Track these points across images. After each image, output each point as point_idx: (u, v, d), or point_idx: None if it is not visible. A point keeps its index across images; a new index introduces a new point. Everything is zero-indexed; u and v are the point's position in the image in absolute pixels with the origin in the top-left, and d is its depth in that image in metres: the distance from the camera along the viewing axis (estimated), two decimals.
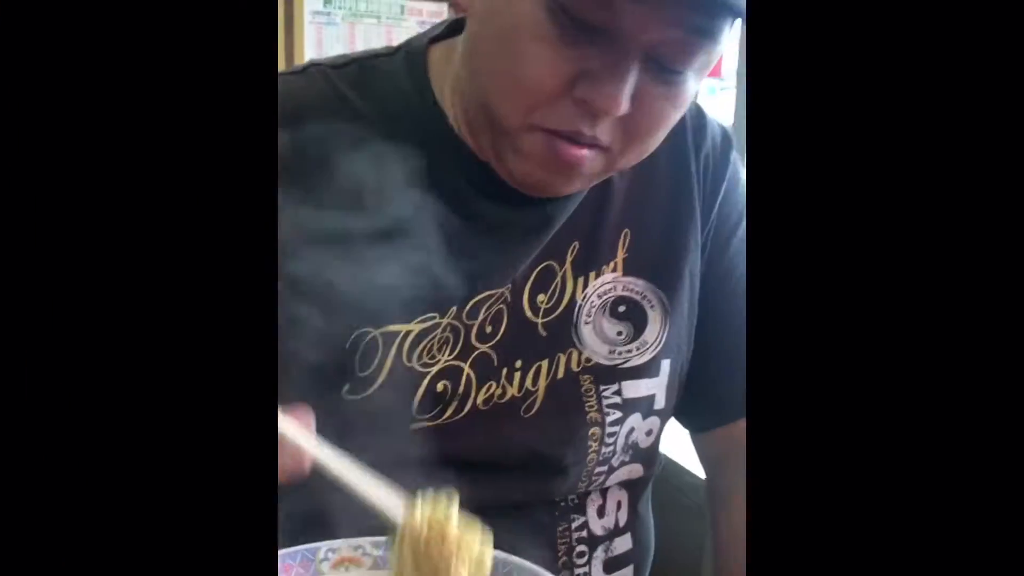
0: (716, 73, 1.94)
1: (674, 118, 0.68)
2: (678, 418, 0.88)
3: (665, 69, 0.64)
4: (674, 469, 1.20)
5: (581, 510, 0.80)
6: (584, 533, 0.80)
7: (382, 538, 0.63)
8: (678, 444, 0.88)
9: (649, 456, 0.84)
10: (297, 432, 0.56)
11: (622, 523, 0.83)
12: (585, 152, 0.65)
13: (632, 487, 0.84)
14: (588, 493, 0.80)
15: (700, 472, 1.28)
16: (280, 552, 0.62)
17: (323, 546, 0.63)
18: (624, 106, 0.63)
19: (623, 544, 0.83)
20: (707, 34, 0.62)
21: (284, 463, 0.56)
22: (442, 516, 0.55)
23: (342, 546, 0.63)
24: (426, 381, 0.73)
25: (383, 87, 0.75)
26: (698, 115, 0.85)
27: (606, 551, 0.82)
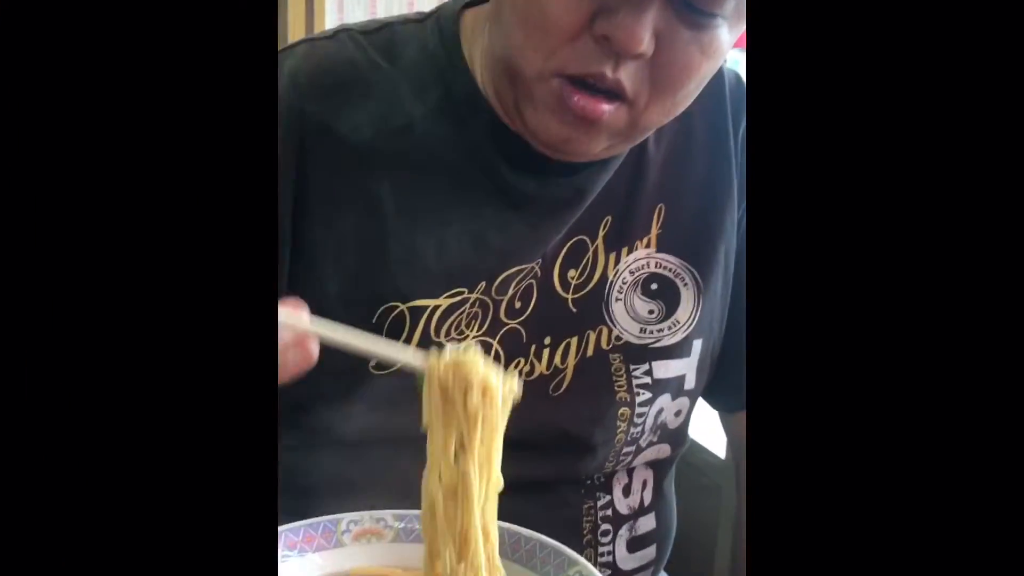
0: (743, 44, 1.84)
1: (705, 70, 0.65)
2: (706, 398, 0.87)
3: (693, 9, 0.61)
4: (692, 447, 1.20)
5: (607, 489, 0.79)
6: (609, 512, 0.79)
7: (404, 511, 0.64)
8: (696, 423, 0.86)
9: (677, 436, 0.82)
10: (296, 318, 0.54)
11: (647, 503, 0.82)
12: (604, 106, 0.63)
13: (658, 467, 0.83)
14: (615, 472, 0.79)
15: (718, 451, 1.28)
16: (302, 523, 0.62)
17: (345, 517, 0.63)
18: (645, 43, 0.60)
19: (647, 523, 0.82)
20: None
21: (288, 356, 0.54)
22: (465, 358, 0.54)
23: (364, 518, 0.63)
24: None
25: (414, 53, 0.73)
26: (738, 86, 0.82)
27: (630, 530, 0.81)
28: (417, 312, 0.71)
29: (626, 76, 0.62)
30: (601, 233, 0.75)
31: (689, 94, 0.67)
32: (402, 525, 0.64)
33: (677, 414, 0.81)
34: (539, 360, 0.74)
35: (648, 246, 0.77)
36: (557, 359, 0.75)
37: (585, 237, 0.75)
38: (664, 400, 0.79)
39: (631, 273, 0.76)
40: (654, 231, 0.77)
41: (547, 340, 0.74)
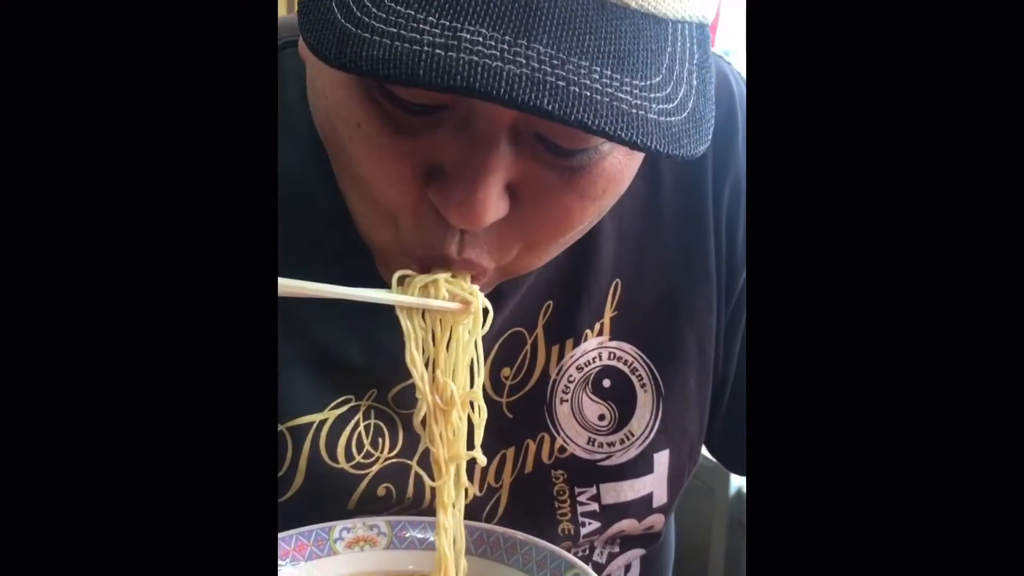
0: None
1: (594, 211, 0.50)
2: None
3: (557, 150, 0.45)
4: None
5: None
6: None
7: (397, 518, 0.63)
8: None
9: (653, 536, 0.70)
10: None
11: None
12: (463, 281, 0.51)
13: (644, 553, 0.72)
14: None
15: (709, 454, 1.29)
16: (293, 531, 0.61)
17: (337, 525, 0.63)
18: (490, 212, 0.45)
19: None
20: None
21: None
22: (431, 280, 0.50)
23: (357, 525, 0.63)
24: (363, 485, 0.62)
25: (284, 100, 0.58)
26: (726, 120, 0.63)
27: None
28: (299, 431, 0.60)
29: (475, 251, 0.49)
30: (540, 322, 0.63)
31: (578, 234, 0.53)
32: (395, 532, 0.63)
33: (649, 528, 0.68)
34: (471, 480, 0.62)
35: (600, 334, 0.63)
36: (491, 476, 0.63)
37: (521, 329, 0.62)
38: (626, 524, 0.67)
39: (579, 369, 0.64)
40: (607, 315, 0.63)
41: None
